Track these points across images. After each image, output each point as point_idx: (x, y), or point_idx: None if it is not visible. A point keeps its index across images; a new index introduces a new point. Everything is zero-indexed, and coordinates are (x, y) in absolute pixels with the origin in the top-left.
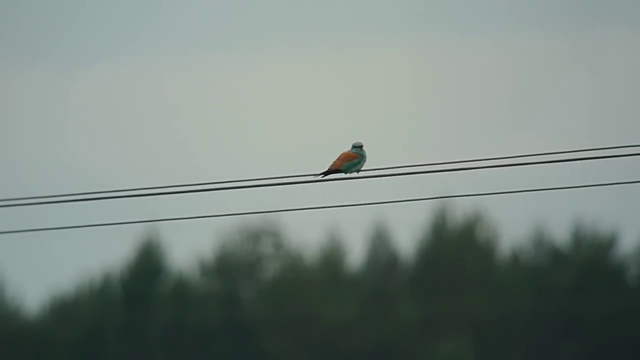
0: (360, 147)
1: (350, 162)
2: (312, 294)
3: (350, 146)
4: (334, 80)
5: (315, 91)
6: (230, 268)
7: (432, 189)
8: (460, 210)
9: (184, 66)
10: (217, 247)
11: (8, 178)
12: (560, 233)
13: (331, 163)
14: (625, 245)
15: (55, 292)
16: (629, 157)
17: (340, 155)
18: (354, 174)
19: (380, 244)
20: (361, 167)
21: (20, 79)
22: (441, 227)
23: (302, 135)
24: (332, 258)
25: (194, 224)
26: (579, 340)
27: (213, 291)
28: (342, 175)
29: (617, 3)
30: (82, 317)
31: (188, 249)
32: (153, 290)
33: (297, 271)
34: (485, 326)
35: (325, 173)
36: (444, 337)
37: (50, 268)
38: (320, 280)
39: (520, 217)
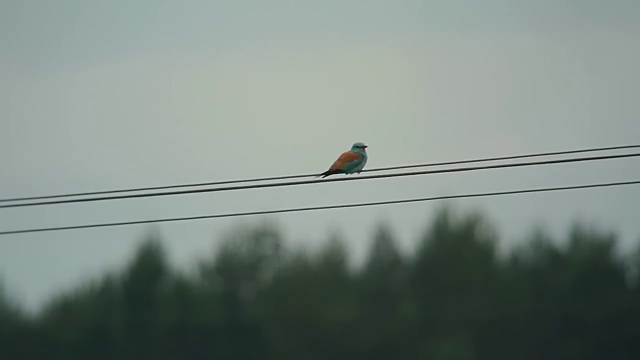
0: (362, 147)
1: (351, 163)
2: (314, 293)
3: (351, 146)
4: (335, 80)
5: (316, 91)
6: (232, 268)
7: (433, 189)
8: (460, 211)
9: (184, 67)
10: (218, 247)
11: (9, 178)
12: (559, 233)
13: (332, 163)
14: (624, 245)
15: (56, 293)
16: (627, 157)
17: (341, 156)
18: (355, 174)
19: (381, 244)
20: (362, 167)
21: (21, 79)
22: (442, 227)
23: (302, 135)
24: (333, 258)
25: (195, 224)
26: (578, 340)
27: (214, 291)
28: (343, 175)
29: (615, 4)
30: (84, 318)
31: (189, 249)
32: (154, 291)
33: (298, 271)
34: (485, 326)
35: (326, 173)
36: (444, 337)
37: (51, 268)
38: (321, 280)
39: (519, 218)
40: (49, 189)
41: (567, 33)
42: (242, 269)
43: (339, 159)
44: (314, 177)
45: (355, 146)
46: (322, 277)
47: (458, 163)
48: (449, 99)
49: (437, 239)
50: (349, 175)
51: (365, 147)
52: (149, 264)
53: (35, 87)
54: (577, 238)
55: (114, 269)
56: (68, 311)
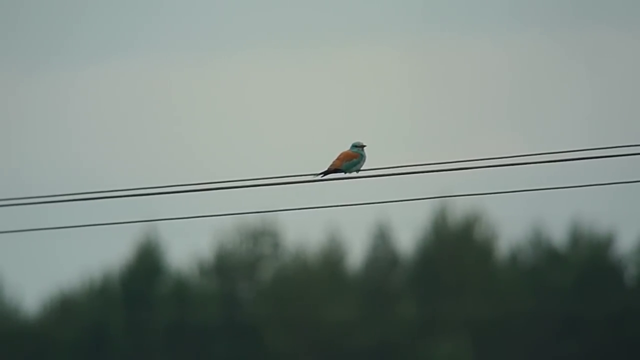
0: (360, 146)
1: (349, 162)
2: (312, 293)
3: (350, 145)
4: (334, 80)
5: (314, 91)
6: (230, 268)
7: (431, 189)
8: (459, 210)
9: (184, 67)
10: (216, 247)
11: (8, 177)
12: (558, 233)
13: (331, 163)
14: (623, 245)
15: (55, 292)
16: (626, 157)
17: (340, 155)
18: (354, 174)
19: (380, 243)
20: (361, 166)
21: (21, 79)
22: (441, 226)
23: (302, 135)
24: (332, 258)
25: (194, 223)
26: (577, 339)
27: (213, 291)
28: (342, 174)
29: (615, 4)
30: (82, 317)
31: (188, 248)
32: (153, 290)
33: (297, 271)
34: (484, 326)
35: (325, 173)
36: (443, 336)
37: (50, 267)
38: (320, 280)
39: (518, 217)
40: (48, 188)
41: (567, 33)
42: (241, 268)
43: (337, 159)
44: (312, 176)
45: (354, 145)
46: (321, 276)
47: (457, 162)
48: (448, 99)
49: (436, 239)
50: (347, 175)
51: (364, 146)
52: (147, 263)
53: (36, 87)
54: (576, 237)
55: (112, 268)
56: (67, 310)
